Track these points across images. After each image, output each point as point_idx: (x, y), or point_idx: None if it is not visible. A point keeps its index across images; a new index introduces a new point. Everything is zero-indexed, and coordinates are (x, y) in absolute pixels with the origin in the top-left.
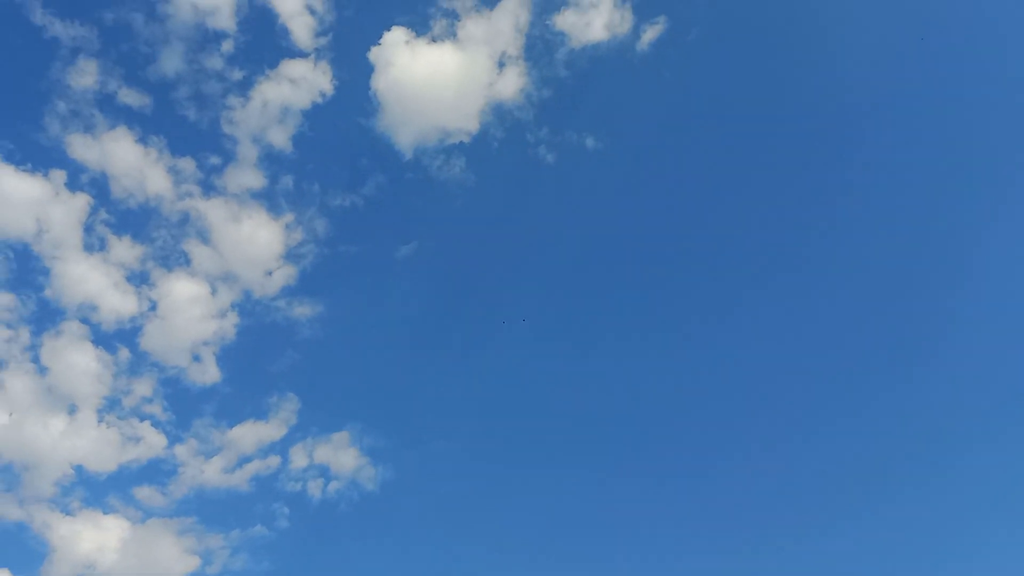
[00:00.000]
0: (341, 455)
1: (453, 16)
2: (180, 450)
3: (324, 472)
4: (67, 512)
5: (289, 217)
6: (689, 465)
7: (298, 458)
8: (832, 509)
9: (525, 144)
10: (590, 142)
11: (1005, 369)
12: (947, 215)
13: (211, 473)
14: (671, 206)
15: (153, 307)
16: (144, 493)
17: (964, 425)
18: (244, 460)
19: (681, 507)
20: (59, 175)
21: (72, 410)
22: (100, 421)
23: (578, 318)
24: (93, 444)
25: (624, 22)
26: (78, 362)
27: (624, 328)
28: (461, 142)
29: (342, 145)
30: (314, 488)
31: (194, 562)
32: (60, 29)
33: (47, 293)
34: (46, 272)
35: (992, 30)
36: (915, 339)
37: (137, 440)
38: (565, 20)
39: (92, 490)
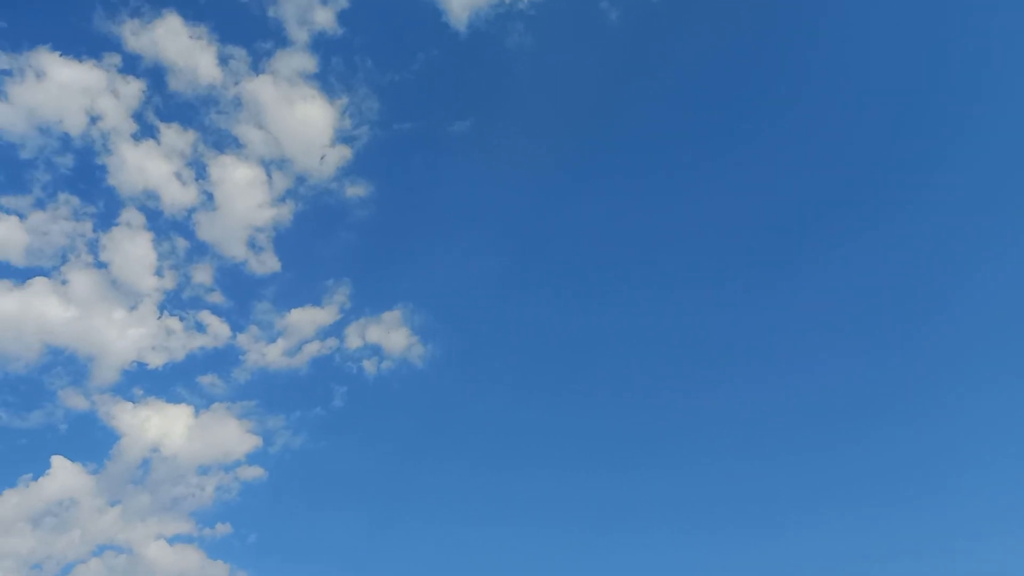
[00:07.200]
0: (393, 334)
1: None
2: (242, 337)
3: (377, 351)
4: (132, 400)
5: (343, 99)
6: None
7: (353, 339)
8: None
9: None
10: None
11: None
12: None
13: (273, 356)
14: None
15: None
16: (208, 379)
17: None
18: (304, 343)
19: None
20: (113, 59)
21: (134, 302)
22: (162, 311)
23: None
24: (156, 334)
25: None
26: (136, 253)
27: None
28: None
29: (390, 18)
30: (369, 367)
31: (255, 442)
32: None
33: (108, 183)
34: (102, 166)
35: None
36: None
37: (201, 328)
38: None
39: (156, 380)
